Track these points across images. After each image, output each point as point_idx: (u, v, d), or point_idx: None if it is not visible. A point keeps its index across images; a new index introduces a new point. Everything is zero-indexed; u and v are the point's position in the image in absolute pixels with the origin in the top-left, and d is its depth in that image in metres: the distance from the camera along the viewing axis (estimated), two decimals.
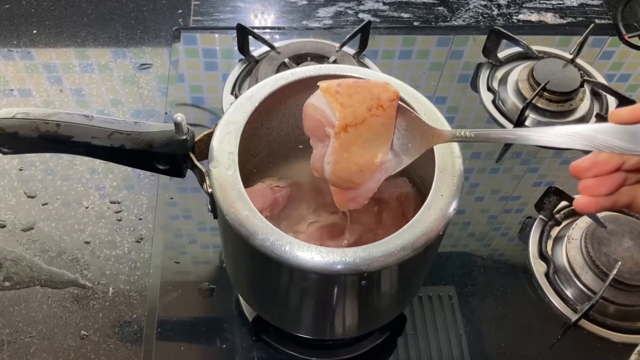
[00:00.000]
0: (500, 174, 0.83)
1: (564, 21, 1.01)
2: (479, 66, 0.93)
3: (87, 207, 0.75)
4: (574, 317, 0.68)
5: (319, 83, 0.46)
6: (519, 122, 0.84)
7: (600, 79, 0.91)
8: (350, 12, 1.00)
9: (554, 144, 0.38)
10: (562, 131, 0.37)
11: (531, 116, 0.86)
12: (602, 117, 0.87)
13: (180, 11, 0.97)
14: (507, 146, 0.85)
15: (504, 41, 0.92)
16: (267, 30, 0.96)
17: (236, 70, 0.89)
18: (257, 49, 0.90)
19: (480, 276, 0.73)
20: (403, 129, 0.47)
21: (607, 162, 0.36)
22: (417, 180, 0.61)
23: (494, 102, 0.89)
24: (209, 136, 0.52)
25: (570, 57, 0.91)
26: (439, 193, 0.48)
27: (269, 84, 0.55)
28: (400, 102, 0.47)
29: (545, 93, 0.85)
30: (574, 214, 0.76)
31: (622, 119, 0.35)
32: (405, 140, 0.47)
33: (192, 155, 0.54)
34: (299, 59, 0.86)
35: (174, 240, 0.73)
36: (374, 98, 0.45)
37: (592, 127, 0.36)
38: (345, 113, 0.44)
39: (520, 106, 0.84)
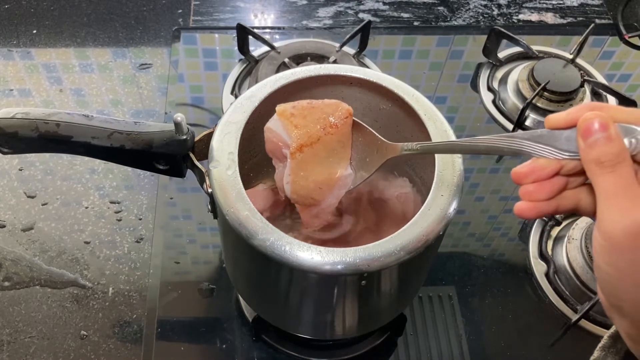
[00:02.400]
0: (500, 174, 0.83)
1: (564, 21, 1.01)
2: (479, 66, 0.93)
3: (87, 207, 0.75)
4: (574, 317, 0.68)
5: (277, 107, 0.48)
6: (519, 122, 0.84)
7: (601, 79, 0.91)
8: (350, 12, 1.00)
9: (497, 152, 0.40)
10: (503, 138, 0.38)
11: (531, 116, 0.86)
12: None
13: (180, 11, 0.97)
14: None
15: (504, 41, 0.92)
16: (267, 30, 0.96)
17: (236, 70, 0.89)
18: (257, 49, 0.90)
19: (480, 276, 0.73)
20: (361, 144, 0.49)
21: (545, 167, 0.37)
22: (417, 180, 0.61)
23: (494, 102, 0.89)
24: (209, 136, 0.52)
25: (571, 57, 0.91)
26: (439, 193, 0.48)
27: (269, 84, 0.55)
28: (355, 119, 0.49)
29: (545, 93, 0.85)
30: (575, 214, 0.76)
31: (557, 124, 0.36)
32: (364, 155, 0.49)
33: (192, 155, 0.54)
34: (299, 59, 0.86)
35: (174, 240, 0.73)
36: (328, 117, 0.47)
37: (530, 133, 0.37)
38: (299, 134, 0.47)
39: (521, 106, 0.84)
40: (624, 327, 0.35)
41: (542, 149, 0.37)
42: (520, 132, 0.38)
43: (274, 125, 0.49)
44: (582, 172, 0.36)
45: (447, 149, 0.46)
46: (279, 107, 0.48)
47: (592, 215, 0.38)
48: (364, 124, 0.49)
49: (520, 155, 0.38)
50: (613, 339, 0.38)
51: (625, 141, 0.34)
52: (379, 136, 0.48)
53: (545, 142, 0.37)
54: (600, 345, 0.39)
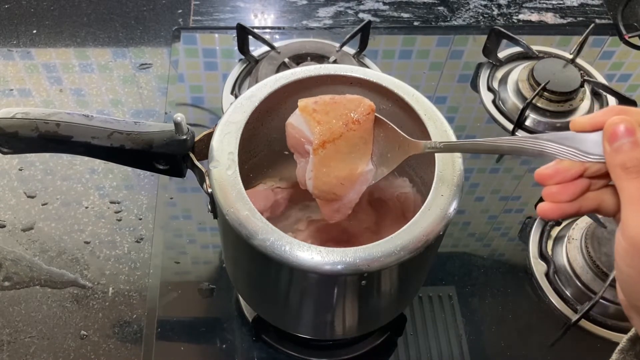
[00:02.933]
0: (500, 174, 0.83)
1: (564, 21, 1.01)
2: (479, 66, 0.93)
3: (87, 207, 0.75)
4: (574, 317, 0.68)
5: (298, 102, 0.48)
6: (519, 122, 0.84)
7: (601, 79, 0.91)
8: (350, 12, 1.00)
9: (520, 152, 0.40)
10: (527, 139, 0.39)
11: (531, 116, 0.86)
12: None
13: (180, 11, 0.97)
14: None
15: (504, 41, 0.92)
16: (267, 30, 0.96)
17: (236, 70, 0.89)
18: (257, 49, 0.90)
19: (480, 276, 0.73)
20: (382, 140, 0.49)
21: (569, 169, 0.37)
22: (417, 180, 0.61)
23: (494, 102, 0.89)
24: (209, 136, 0.52)
25: (571, 57, 0.91)
26: (439, 193, 0.48)
27: (269, 84, 0.55)
28: (377, 115, 0.49)
29: (545, 93, 0.85)
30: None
31: (582, 127, 0.37)
32: (385, 151, 0.49)
33: (192, 155, 0.54)
34: (299, 59, 0.86)
35: (174, 240, 0.73)
36: (350, 113, 0.47)
37: (555, 135, 0.38)
38: (322, 130, 0.46)
39: (521, 106, 0.84)
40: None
41: (567, 151, 0.37)
42: (544, 134, 0.39)
43: (295, 121, 0.48)
44: (606, 175, 0.37)
45: (471, 148, 0.46)
46: (301, 102, 0.48)
47: (614, 216, 0.38)
48: (386, 120, 0.49)
49: (543, 157, 0.39)
50: (632, 341, 0.38)
51: None
52: (402, 133, 0.48)
53: (570, 144, 0.37)
54: (618, 348, 0.39)
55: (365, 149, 0.49)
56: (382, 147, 0.49)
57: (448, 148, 0.46)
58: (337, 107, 0.48)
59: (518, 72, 0.90)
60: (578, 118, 0.37)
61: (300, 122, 0.48)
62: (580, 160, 0.37)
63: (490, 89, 0.90)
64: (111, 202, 0.76)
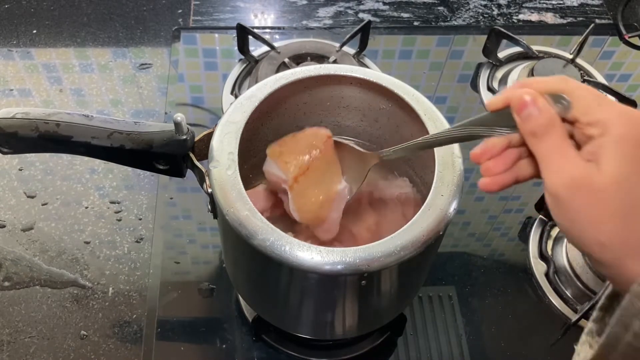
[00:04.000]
0: None
1: (564, 21, 1.01)
2: (479, 66, 0.93)
3: (86, 207, 0.75)
4: (574, 317, 0.68)
5: (267, 150, 0.54)
6: None
7: (601, 79, 0.91)
8: (350, 12, 1.00)
9: (456, 141, 0.46)
10: (458, 128, 0.44)
11: None
12: None
13: (180, 11, 0.97)
14: None
15: (504, 41, 0.92)
16: (267, 30, 0.96)
17: (236, 70, 0.89)
18: (257, 49, 0.90)
19: (480, 276, 0.73)
20: (346, 158, 0.55)
21: (496, 144, 0.42)
22: (417, 180, 0.61)
23: None
24: (209, 136, 0.52)
25: (571, 57, 0.91)
26: (439, 193, 0.48)
27: (269, 84, 0.55)
28: (335, 139, 0.54)
29: None
30: None
31: (496, 106, 0.41)
32: (351, 167, 0.54)
33: (192, 155, 0.54)
34: (299, 59, 0.86)
35: (174, 240, 0.73)
36: (311, 145, 0.53)
37: (477, 118, 0.43)
38: (291, 168, 0.52)
39: None
40: (594, 260, 0.38)
41: (490, 130, 0.42)
42: (469, 119, 0.43)
43: (268, 167, 0.54)
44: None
45: (414, 147, 0.49)
46: (269, 150, 0.54)
47: None
48: (343, 141, 0.55)
49: (475, 139, 0.43)
50: (610, 299, 0.40)
51: (554, 107, 0.38)
52: (358, 148, 0.54)
53: (491, 123, 0.42)
54: (598, 306, 0.41)
55: (335, 170, 0.54)
56: (348, 164, 0.54)
57: (396, 152, 0.50)
58: (299, 142, 0.53)
59: (518, 72, 0.90)
60: (492, 99, 0.41)
61: (272, 167, 0.53)
62: (501, 135, 0.41)
63: (490, 89, 0.90)
64: (111, 202, 0.76)
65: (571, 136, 0.39)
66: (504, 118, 0.41)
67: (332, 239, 0.56)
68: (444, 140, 0.46)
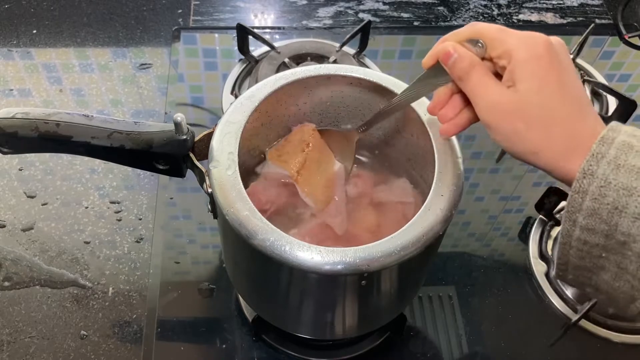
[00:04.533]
0: (500, 174, 0.83)
1: (564, 21, 1.01)
2: None
3: (86, 207, 0.75)
4: (574, 317, 0.68)
5: (267, 155, 0.59)
6: None
7: (601, 78, 0.91)
8: (350, 12, 1.00)
9: (410, 101, 0.51)
10: (409, 90, 0.50)
11: None
12: (602, 117, 0.87)
13: (180, 11, 0.97)
14: None
15: None
16: (267, 30, 0.96)
17: (236, 70, 0.89)
18: (257, 49, 0.90)
19: (480, 276, 0.73)
20: (334, 142, 0.60)
21: (442, 94, 0.48)
22: (417, 180, 0.61)
23: None
24: (209, 136, 0.52)
25: (571, 57, 0.91)
26: (439, 193, 0.48)
27: (269, 84, 0.55)
28: (319, 129, 0.59)
29: None
30: None
31: (428, 63, 0.47)
32: (340, 149, 0.60)
33: (192, 155, 0.54)
34: (299, 59, 0.86)
35: (174, 240, 0.73)
36: (301, 140, 0.58)
37: (419, 78, 0.49)
38: (291, 165, 0.58)
39: None
40: (538, 168, 0.44)
41: (431, 85, 0.48)
42: (414, 81, 0.50)
43: (270, 169, 0.59)
44: None
45: (379, 115, 0.55)
46: (269, 155, 0.59)
47: None
48: (326, 128, 0.60)
49: (425, 94, 0.51)
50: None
51: (472, 50, 0.44)
52: (338, 130, 0.61)
53: (432, 79, 0.48)
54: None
55: (328, 155, 0.59)
56: (336, 147, 0.60)
57: (369, 124, 0.56)
58: (291, 142, 0.59)
59: None
60: (425, 58, 0.47)
61: (275, 168, 0.59)
62: (441, 86, 0.47)
63: None
64: (111, 202, 0.76)
65: (497, 73, 0.44)
66: (439, 71, 0.46)
67: (330, 239, 0.56)
68: (403, 102, 0.52)
